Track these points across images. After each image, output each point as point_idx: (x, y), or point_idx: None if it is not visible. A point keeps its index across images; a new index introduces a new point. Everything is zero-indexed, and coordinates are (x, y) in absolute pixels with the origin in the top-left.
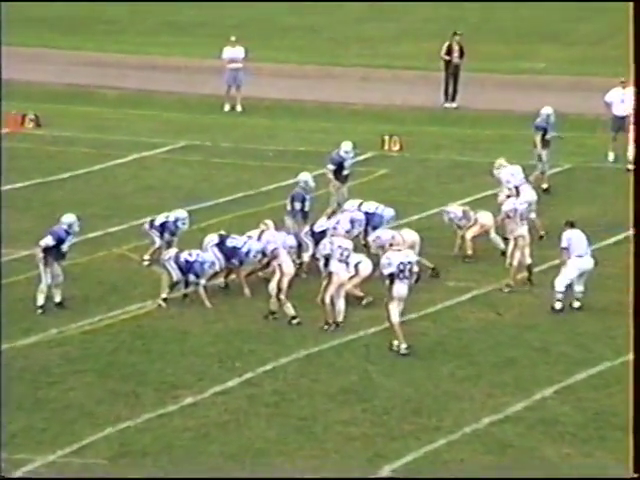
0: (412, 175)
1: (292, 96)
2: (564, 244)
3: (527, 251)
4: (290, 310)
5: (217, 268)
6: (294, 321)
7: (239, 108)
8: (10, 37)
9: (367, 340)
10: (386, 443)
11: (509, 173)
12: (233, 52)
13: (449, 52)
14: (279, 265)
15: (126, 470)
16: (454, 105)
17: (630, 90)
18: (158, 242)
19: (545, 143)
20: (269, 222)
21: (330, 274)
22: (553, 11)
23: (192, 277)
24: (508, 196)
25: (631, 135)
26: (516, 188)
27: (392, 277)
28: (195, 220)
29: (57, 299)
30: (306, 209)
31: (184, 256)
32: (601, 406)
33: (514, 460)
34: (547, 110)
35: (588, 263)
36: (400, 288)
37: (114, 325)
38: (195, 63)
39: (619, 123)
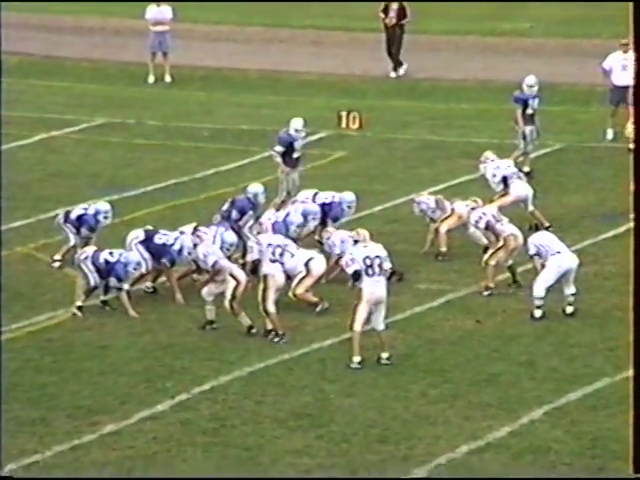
0: (374, 158)
1: (231, 64)
2: (532, 251)
3: (515, 253)
4: (246, 320)
5: (143, 270)
6: (252, 331)
7: (168, 79)
8: None
9: (323, 354)
10: (346, 476)
11: (494, 167)
12: (158, 11)
13: (386, 11)
14: (231, 275)
15: None
16: (400, 73)
17: (632, 56)
18: (73, 239)
19: (527, 118)
20: (201, 233)
21: (265, 277)
22: None
23: (113, 281)
24: (473, 208)
25: (631, 110)
26: (504, 182)
27: (359, 275)
28: (117, 213)
29: None
30: (242, 223)
31: (104, 256)
32: (599, 430)
33: None
34: (529, 80)
35: (570, 259)
36: (373, 287)
37: (18, 339)
38: (113, 24)
39: (619, 94)
